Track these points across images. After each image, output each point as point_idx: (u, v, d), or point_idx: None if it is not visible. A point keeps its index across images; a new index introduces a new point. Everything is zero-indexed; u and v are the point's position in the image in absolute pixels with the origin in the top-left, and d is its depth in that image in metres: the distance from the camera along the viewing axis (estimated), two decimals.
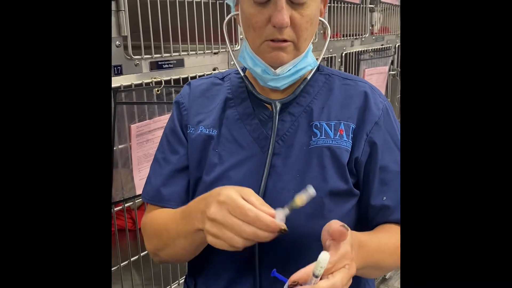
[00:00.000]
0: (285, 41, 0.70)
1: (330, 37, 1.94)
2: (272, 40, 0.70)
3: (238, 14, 0.77)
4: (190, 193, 0.79)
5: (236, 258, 0.75)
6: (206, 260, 0.79)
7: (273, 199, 0.72)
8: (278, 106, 0.76)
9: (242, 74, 0.81)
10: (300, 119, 0.77)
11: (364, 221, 0.77)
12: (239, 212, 0.58)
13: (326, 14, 1.82)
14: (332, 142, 0.75)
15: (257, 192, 0.72)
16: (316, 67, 0.80)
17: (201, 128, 0.79)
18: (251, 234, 0.57)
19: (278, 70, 0.73)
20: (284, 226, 0.58)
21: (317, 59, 0.79)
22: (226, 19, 0.81)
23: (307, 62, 0.76)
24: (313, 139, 0.76)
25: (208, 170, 0.77)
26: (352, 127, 0.76)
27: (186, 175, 0.80)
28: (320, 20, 0.77)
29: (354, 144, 0.75)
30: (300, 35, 0.70)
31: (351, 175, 0.75)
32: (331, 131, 0.75)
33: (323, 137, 0.75)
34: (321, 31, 1.89)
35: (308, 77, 0.79)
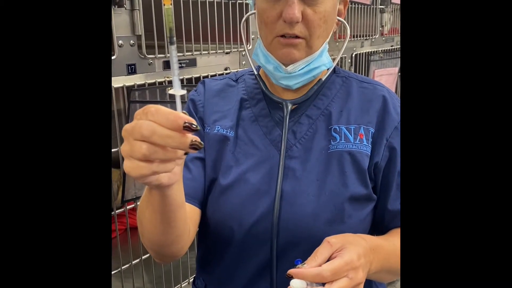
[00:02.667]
0: (296, 37, 0.69)
1: (340, 38, 1.95)
2: (284, 36, 0.69)
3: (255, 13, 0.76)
4: (205, 191, 0.78)
5: (252, 262, 0.74)
6: (218, 262, 0.78)
7: (292, 203, 0.71)
8: (290, 106, 0.75)
9: (256, 72, 0.80)
10: (318, 122, 0.76)
11: (379, 225, 0.77)
12: (142, 112, 0.47)
13: None
14: (353, 146, 0.73)
15: (274, 195, 0.71)
16: (332, 69, 0.79)
17: (218, 127, 0.78)
18: (148, 130, 0.45)
19: (290, 68, 0.72)
20: (192, 121, 0.45)
21: (333, 59, 0.78)
22: (244, 18, 0.81)
23: (322, 61, 0.74)
24: (332, 143, 0.74)
25: (224, 172, 0.75)
26: (372, 132, 0.75)
27: (200, 166, 0.78)
28: (339, 20, 0.76)
29: (374, 149, 0.74)
30: (313, 32, 0.69)
31: (370, 179, 0.74)
32: (351, 136, 0.74)
33: (342, 141, 0.74)
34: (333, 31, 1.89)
35: (323, 78, 0.77)
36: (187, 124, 0.45)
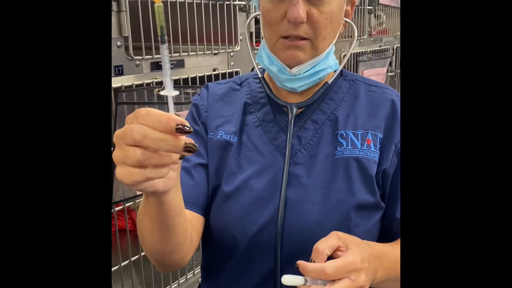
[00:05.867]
0: (302, 39, 0.67)
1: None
2: (288, 37, 0.67)
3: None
4: (208, 198, 0.76)
5: (256, 271, 0.73)
6: (222, 271, 0.76)
7: (296, 210, 0.70)
8: (295, 110, 0.73)
9: (260, 75, 0.78)
10: (324, 128, 0.74)
11: (387, 233, 0.75)
12: (133, 116, 0.46)
13: None
14: (360, 152, 0.71)
15: (278, 202, 0.70)
16: (339, 71, 0.77)
17: (221, 133, 0.76)
18: (140, 134, 0.43)
19: (294, 70, 0.70)
20: (184, 122, 0.44)
21: (339, 62, 0.75)
22: (248, 19, 0.79)
23: (328, 63, 0.72)
24: (338, 149, 0.72)
25: (227, 179, 0.74)
26: (380, 137, 0.72)
27: (203, 172, 0.76)
28: (346, 21, 0.74)
29: (382, 155, 0.72)
30: (318, 33, 0.67)
31: (377, 187, 0.71)
32: (358, 141, 0.72)
33: (349, 147, 0.72)
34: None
35: (329, 81, 0.75)
36: (179, 126, 0.43)
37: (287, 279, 0.56)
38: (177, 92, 0.48)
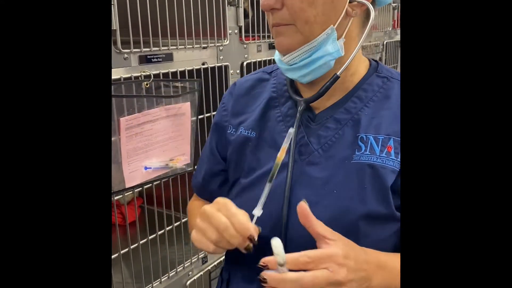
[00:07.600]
0: (284, 24, 0.66)
1: None
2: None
3: None
4: (227, 192, 0.78)
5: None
6: (240, 259, 0.74)
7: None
8: (303, 105, 0.71)
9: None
10: (346, 128, 0.69)
11: None
12: (225, 206, 0.63)
13: None
14: (377, 159, 0.66)
15: (282, 203, 0.68)
16: (372, 67, 0.73)
17: (241, 129, 0.77)
18: (223, 227, 0.60)
19: (286, 58, 0.68)
20: (255, 235, 0.61)
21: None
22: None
23: (326, 51, 0.66)
24: (356, 153, 0.67)
25: (246, 173, 0.74)
26: None
27: (223, 175, 0.83)
28: (360, 2, 0.67)
29: None
30: (297, 17, 0.64)
31: (395, 197, 0.66)
32: (378, 147, 0.67)
33: (367, 152, 0.67)
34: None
35: (338, 73, 0.69)
36: (251, 237, 0.60)
37: (277, 242, 0.57)
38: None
